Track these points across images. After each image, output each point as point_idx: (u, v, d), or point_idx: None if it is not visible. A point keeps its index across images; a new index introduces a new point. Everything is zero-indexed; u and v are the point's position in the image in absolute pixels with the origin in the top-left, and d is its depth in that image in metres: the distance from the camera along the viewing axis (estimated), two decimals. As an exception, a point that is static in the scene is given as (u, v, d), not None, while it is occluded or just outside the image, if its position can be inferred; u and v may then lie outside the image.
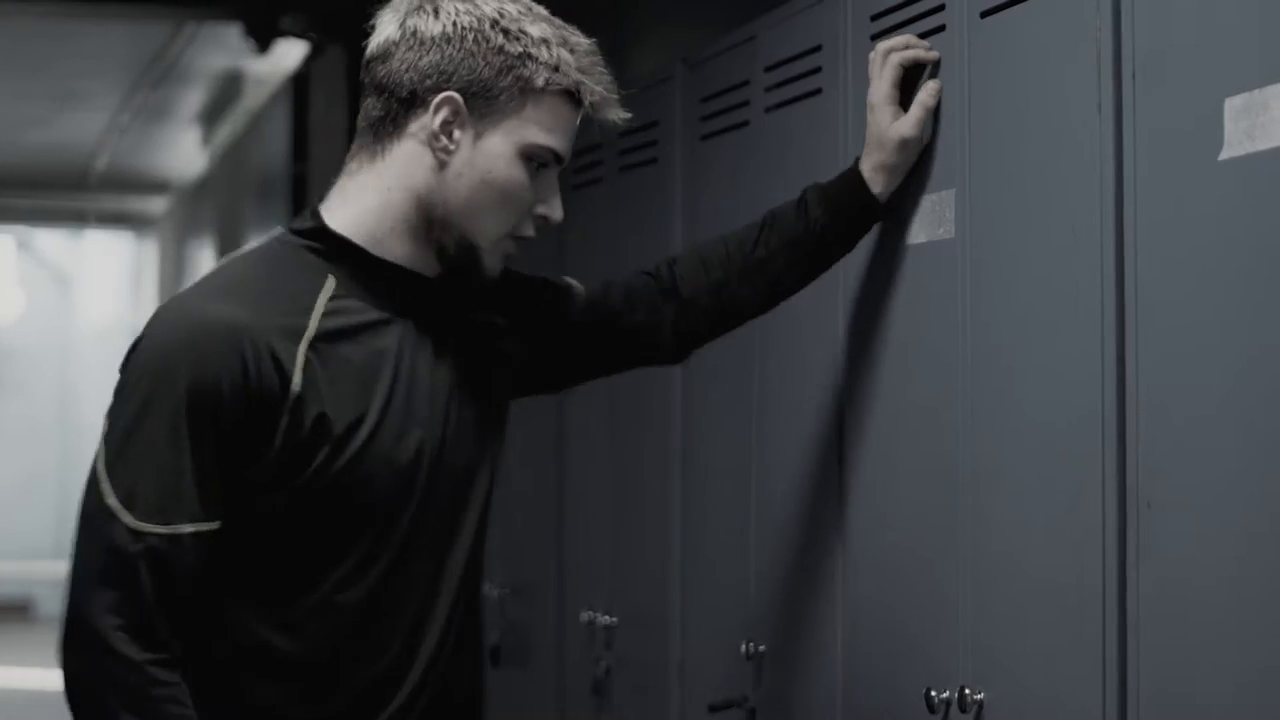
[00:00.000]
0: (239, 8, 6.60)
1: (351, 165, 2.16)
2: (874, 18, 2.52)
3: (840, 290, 2.59)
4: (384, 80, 2.12)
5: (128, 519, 1.99)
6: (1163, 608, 1.94)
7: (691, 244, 2.81)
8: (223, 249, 9.25)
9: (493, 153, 2.11)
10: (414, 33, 2.10)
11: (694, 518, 3.16)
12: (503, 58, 2.09)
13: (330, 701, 2.10)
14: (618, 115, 2.16)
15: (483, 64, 2.08)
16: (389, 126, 2.12)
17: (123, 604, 1.99)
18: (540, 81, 2.10)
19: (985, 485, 2.27)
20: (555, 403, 3.76)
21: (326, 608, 2.08)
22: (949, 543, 2.33)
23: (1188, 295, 1.92)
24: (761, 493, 2.89)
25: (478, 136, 2.10)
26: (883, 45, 2.43)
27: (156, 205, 12.39)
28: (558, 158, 2.15)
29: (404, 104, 2.10)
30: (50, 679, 11.90)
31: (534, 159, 2.12)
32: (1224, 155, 1.86)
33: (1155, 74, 1.97)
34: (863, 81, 2.54)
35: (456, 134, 2.10)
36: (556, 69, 2.11)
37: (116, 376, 2.07)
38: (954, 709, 2.27)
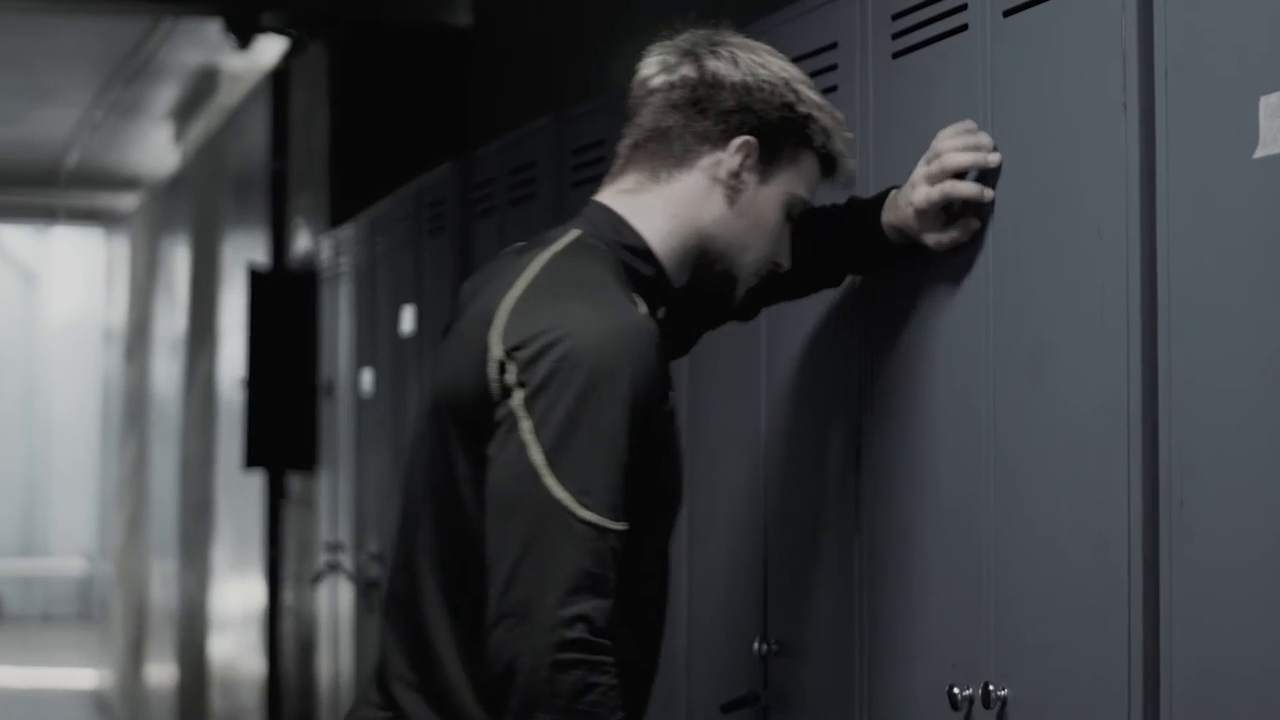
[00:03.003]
0: (220, 4, 6.57)
1: (626, 182, 2.30)
2: (895, 17, 2.52)
3: (861, 287, 2.59)
4: (680, 107, 2.27)
5: (587, 515, 2.07)
6: (1196, 606, 1.95)
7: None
8: (198, 246, 9.21)
9: (769, 198, 2.31)
10: (714, 75, 2.27)
11: (702, 509, 3.14)
12: (793, 115, 2.29)
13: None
14: (851, 181, 2.39)
15: (776, 117, 2.28)
16: (677, 153, 2.28)
17: (591, 601, 2.06)
18: (817, 142, 2.31)
19: (1010, 481, 2.27)
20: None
21: (638, 601, 2.23)
22: (973, 538, 2.33)
23: (1221, 293, 1.93)
24: (774, 484, 2.88)
25: (761, 182, 2.30)
26: (948, 148, 2.34)
27: (127, 202, 12.32)
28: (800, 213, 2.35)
29: (698, 138, 2.27)
30: (17, 675, 11.80)
31: (790, 210, 2.32)
32: (1259, 153, 1.87)
33: (1188, 72, 1.98)
34: (881, 81, 2.55)
35: (745, 176, 2.29)
36: (829, 135, 2.32)
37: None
38: (977, 705, 2.27)
